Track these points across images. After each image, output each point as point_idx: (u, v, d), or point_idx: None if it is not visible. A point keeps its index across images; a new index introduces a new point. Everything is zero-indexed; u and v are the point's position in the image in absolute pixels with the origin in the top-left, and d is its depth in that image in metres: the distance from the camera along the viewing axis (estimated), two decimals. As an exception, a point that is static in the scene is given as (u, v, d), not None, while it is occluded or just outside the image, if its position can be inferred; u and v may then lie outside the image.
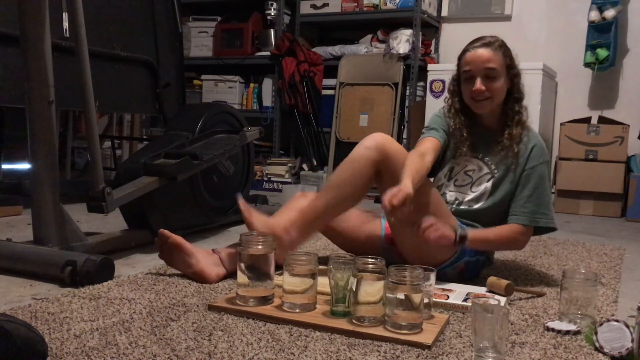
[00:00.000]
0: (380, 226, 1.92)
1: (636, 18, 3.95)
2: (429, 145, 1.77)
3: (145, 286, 1.66)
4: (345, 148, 4.15)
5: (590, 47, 3.84)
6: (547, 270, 2.05)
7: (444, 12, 4.45)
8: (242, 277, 1.48)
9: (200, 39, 4.84)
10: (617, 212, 3.57)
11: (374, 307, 1.33)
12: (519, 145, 1.79)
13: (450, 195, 1.85)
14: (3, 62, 2.54)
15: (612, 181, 3.54)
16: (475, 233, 1.72)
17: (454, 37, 4.41)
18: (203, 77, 4.89)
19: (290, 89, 4.40)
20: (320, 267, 1.47)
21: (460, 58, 1.81)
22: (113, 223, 2.55)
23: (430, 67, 4.04)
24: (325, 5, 4.47)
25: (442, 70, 3.92)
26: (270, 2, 4.57)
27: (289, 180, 4.35)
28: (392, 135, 4.03)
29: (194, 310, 1.45)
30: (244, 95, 4.81)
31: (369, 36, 4.48)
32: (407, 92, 4.18)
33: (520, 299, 1.66)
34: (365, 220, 1.94)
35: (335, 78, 4.37)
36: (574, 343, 1.32)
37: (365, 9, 4.33)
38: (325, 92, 4.47)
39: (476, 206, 1.81)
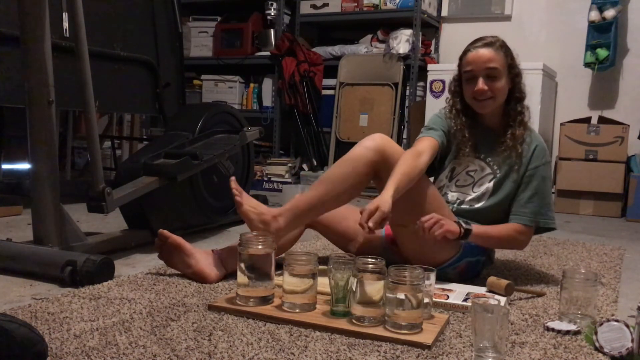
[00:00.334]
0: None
1: (636, 18, 3.95)
2: (426, 145, 1.77)
3: (145, 286, 1.66)
4: (345, 148, 4.14)
5: (590, 47, 3.84)
6: (547, 270, 2.05)
7: (444, 12, 4.45)
8: (242, 277, 1.48)
9: (200, 39, 4.84)
10: (617, 212, 3.57)
11: (374, 307, 1.33)
12: (522, 145, 1.79)
13: (452, 196, 1.85)
14: (3, 62, 2.54)
15: (612, 181, 3.54)
16: (479, 228, 1.72)
17: (454, 37, 4.41)
18: (203, 77, 4.89)
19: (290, 89, 4.40)
20: (320, 267, 1.47)
21: (461, 58, 1.81)
22: (113, 223, 2.55)
23: (430, 67, 4.04)
24: (325, 5, 4.47)
25: (442, 70, 3.93)
26: (270, 2, 4.57)
27: (289, 180, 4.35)
28: (392, 135, 4.04)
29: (194, 310, 1.45)
30: (244, 95, 4.81)
31: (369, 36, 4.48)
32: (407, 92, 4.18)
33: (520, 299, 1.66)
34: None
35: (335, 78, 4.38)
36: (574, 343, 1.32)
37: (365, 9, 4.34)
38: (325, 92, 4.47)
39: (477, 205, 1.81)
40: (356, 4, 4.36)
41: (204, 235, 2.50)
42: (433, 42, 4.48)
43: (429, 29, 4.43)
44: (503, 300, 1.55)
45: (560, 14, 4.14)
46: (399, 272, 1.29)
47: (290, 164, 4.44)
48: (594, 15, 3.81)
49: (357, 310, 1.35)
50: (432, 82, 3.97)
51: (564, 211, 3.62)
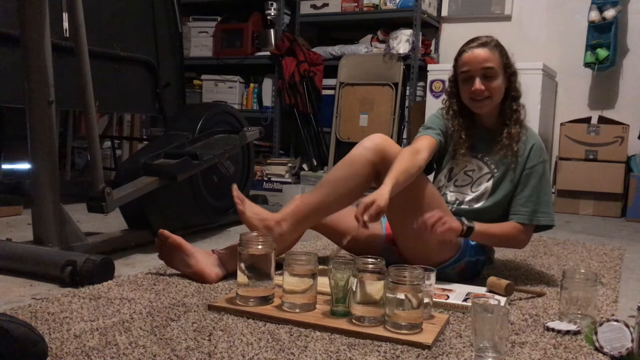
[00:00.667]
0: (381, 225, 1.92)
1: (636, 18, 3.95)
2: (424, 143, 1.77)
3: (145, 286, 1.66)
4: (345, 148, 4.15)
5: (590, 47, 3.84)
6: (547, 270, 2.05)
7: (444, 12, 4.45)
8: (242, 277, 1.48)
9: (200, 39, 4.84)
10: (617, 212, 3.57)
11: (374, 307, 1.33)
12: (518, 144, 1.79)
13: (451, 196, 1.85)
14: (3, 62, 2.54)
15: (612, 181, 3.54)
16: (481, 226, 1.72)
17: (454, 37, 4.41)
18: (203, 77, 4.89)
19: (290, 89, 4.40)
20: (320, 267, 1.47)
21: (456, 59, 1.81)
22: (113, 223, 2.55)
23: (430, 67, 4.04)
24: (325, 5, 4.47)
25: (442, 70, 3.92)
26: (270, 2, 4.57)
27: (289, 180, 4.35)
28: (392, 136, 4.04)
29: (194, 310, 1.45)
30: (244, 95, 4.81)
31: (369, 36, 4.48)
32: (407, 92, 4.18)
33: (520, 299, 1.66)
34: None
35: (335, 78, 4.37)
36: (574, 343, 1.32)
37: (365, 9, 4.33)
38: (325, 92, 4.47)
39: (477, 205, 1.81)
40: (356, 4, 4.36)
41: (204, 235, 2.50)
42: (433, 42, 4.48)
43: (429, 29, 4.43)
44: (503, 300, 1.55)
45: (560, 14, 4.14)
46: (399, 272, 1.29)
47: (290, 164, 4.44)
48: (594, 15, 3.81)
49: (357, 310, 1.35)
50: (432, 82, 3.97)
51: (564, 211, 3.62)
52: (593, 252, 2.41)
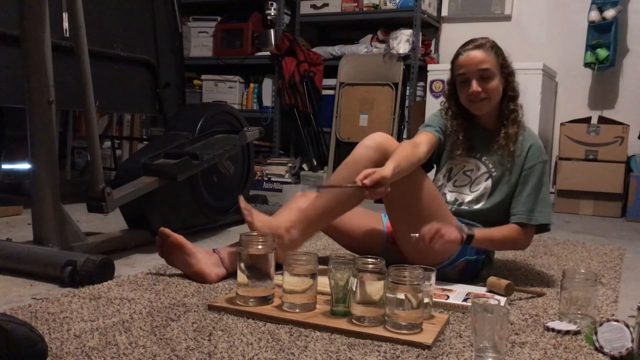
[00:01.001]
0: (382, 224, 1.92)
1: (636, 18, 3.95)
2: (424, 138, 1.79)
3: (145, 286, 1.66)
4: (345, 148, 4.15)
5: (590, 47, 3.84)
6: (547, 270, 2.05)
7: (444, 12, 4.45)
8: (242, 277, 1.48)
9: (200, 39, 4.84)
10: (617, 212, 3.57)
11: (374, 307, 1.33)
12: (515, 144, 1.79)
13: (450, 196, 1.85)
14: (3, 62, 2.54)
15: (612, 181, 3.54)
16: (481, 232, 1.72)
17: (454, 37, 4.40)
18: (203, 77, 4.88)
19: (290, 88, 4.40)
20: (320, 267, 1.47)
21: (453, 62, 1.82)
22: (113, 223, 2.55)
23: (430, 67, 4.04)
24: (325, 5, 4.47)
25: (442, 70, 3.91)
26: (270, 2, 4.57)
27: (289, 180, 4.35)
28: (392, 135, 4.03)
29: (194, 310, 1.45)
30: (244, 95, 4.81)
31: (369, 36, 4.47)
32: (407, 92, 4.18)
33: (520, 299, 1.66)
34: (367, 219, 1.95)
35: (335, 78, 4.37)
36: (574, 343, 1.32)
37: (365, 9, 4.33)
38: (325, 92, 4.47)
39: (476, 207, 1.81)
40: (356, 4, 4.36)
41: (204, 235, 2.49)
42: (433, 42, 4.48)
43: (429, 29, 4.43)
44: (503, 300, 1.55)
45: (560, 14, 4.14)
46: (399, 272, 1.29)
47: (290, 164, 4.44)
48: (594, 15, 3.81)
49: (357, 310, 1.35)
50: (432, 82, 3.97)
51: (564, 211, 3.62)
52: (593, 252, 2.41)
